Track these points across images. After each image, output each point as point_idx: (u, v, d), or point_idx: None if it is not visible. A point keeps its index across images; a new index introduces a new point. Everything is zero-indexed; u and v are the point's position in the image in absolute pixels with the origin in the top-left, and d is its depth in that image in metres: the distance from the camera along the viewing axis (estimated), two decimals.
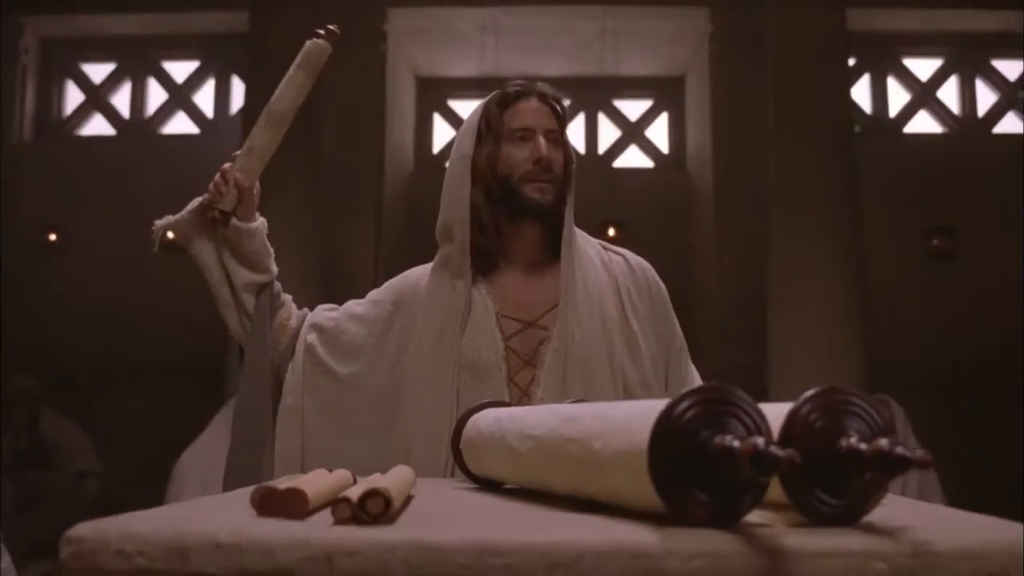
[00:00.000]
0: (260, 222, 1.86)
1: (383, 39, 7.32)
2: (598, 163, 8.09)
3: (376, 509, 0.86)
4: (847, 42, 6.07)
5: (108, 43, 7.91)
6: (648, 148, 8.21)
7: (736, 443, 0.80)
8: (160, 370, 6.83)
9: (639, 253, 1.92)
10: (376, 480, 0.97)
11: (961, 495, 5.66)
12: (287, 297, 1.91)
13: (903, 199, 6.96)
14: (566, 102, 1.87)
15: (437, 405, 1.65)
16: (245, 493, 1.00)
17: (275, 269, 1.89)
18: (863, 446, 0.83)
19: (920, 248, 6.89)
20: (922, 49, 7.72)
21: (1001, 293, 6.68)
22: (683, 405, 0.83)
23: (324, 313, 1.88)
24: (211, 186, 1.83)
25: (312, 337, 1.84)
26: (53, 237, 7.07)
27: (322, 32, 1.90)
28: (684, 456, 0.83)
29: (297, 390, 1.82)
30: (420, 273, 1.86)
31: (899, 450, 0.81)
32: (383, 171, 7.34)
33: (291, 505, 0.91)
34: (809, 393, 0.87)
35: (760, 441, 0.78)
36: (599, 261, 1.84)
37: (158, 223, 1.86)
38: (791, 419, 0.86)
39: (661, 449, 0.83)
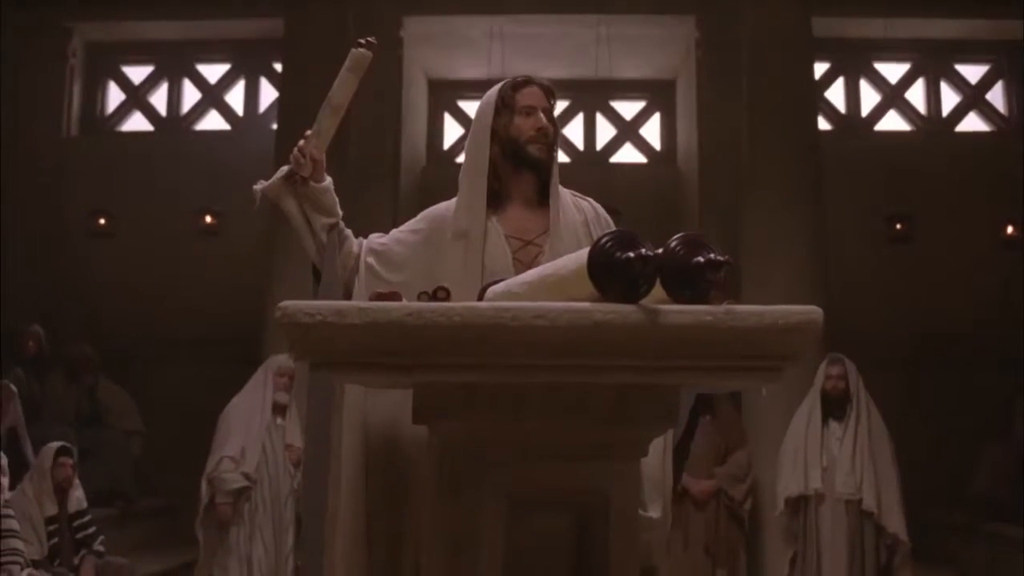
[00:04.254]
0: (328, 181, 2.50)
1: (399, 44, 7.99)
2: (596, 158, 8.76)
3: (442, 295, 1.59)
4: (814, 48, 6.74)
5: (147, 47, 8.64)
6: (642, 145, 8.91)
7: (631, 254, 1.52)
8: (196, 343, 7.50)
9: None
10: None
11: (925, 462, 6.34)
12: (348, 231, 2.54)
13: (871, 190, 7.63)
14: (563, 103, 2.57)
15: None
16: None
17: (340, 212, 2.52)
18: (703, 260, 1.56)
19: (882, 232, 7.61)
20: (891, 54, 8.39)
21: (953, 274, 7.43)
22: (604, 239, 1.56)
23: (376, 240, 2.55)
24: (292, 159, 2.43)
25: (371, 259, 2.51)
26: (102, 222, 7.78)
27: (363, 42, 2.50)
28: (606, 264, 1.55)
29: (363, 297, 2.48)
30: (446, 205, 2.55)
31: (717, 258, 1.53)
32: (399, 165, 8.04)
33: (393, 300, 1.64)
34: (677, 235, 1.60)
35: (642, 251, 1.51)
36: (572, 204, 2.56)
37: (256, 187, 2.49)
38: (665, 248, 1.58)
39: (594, 261, 1.55)
